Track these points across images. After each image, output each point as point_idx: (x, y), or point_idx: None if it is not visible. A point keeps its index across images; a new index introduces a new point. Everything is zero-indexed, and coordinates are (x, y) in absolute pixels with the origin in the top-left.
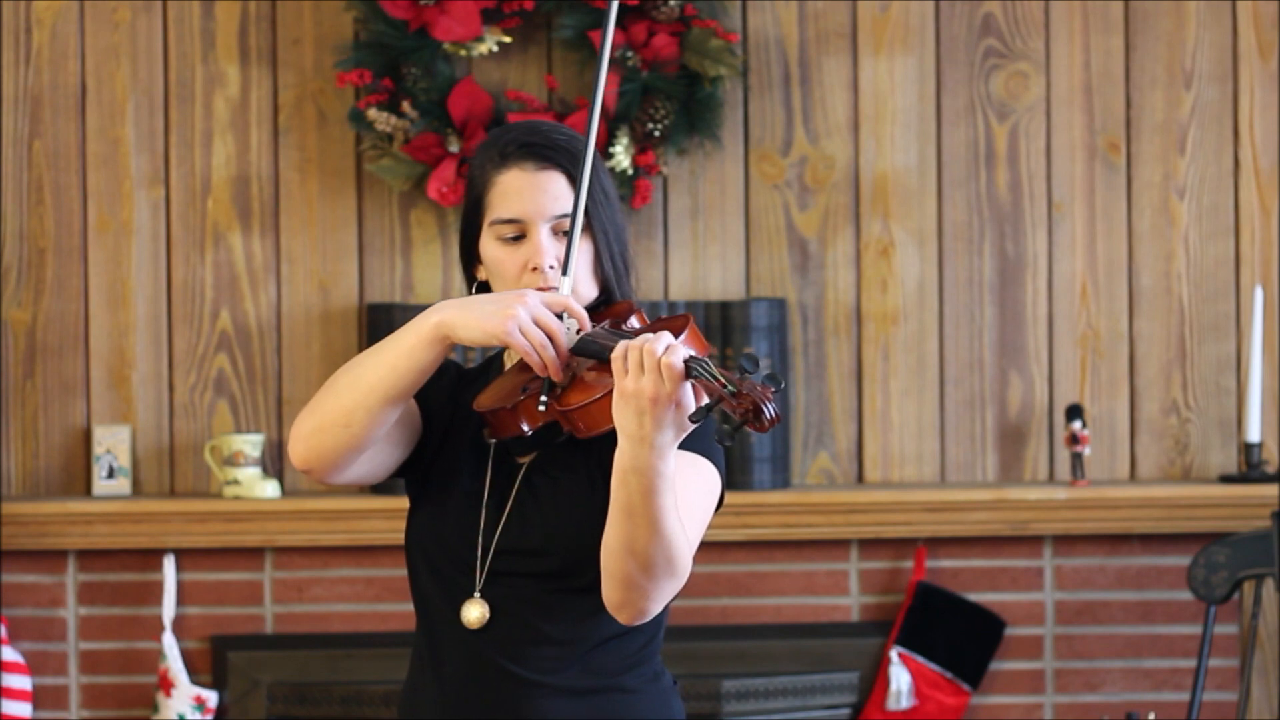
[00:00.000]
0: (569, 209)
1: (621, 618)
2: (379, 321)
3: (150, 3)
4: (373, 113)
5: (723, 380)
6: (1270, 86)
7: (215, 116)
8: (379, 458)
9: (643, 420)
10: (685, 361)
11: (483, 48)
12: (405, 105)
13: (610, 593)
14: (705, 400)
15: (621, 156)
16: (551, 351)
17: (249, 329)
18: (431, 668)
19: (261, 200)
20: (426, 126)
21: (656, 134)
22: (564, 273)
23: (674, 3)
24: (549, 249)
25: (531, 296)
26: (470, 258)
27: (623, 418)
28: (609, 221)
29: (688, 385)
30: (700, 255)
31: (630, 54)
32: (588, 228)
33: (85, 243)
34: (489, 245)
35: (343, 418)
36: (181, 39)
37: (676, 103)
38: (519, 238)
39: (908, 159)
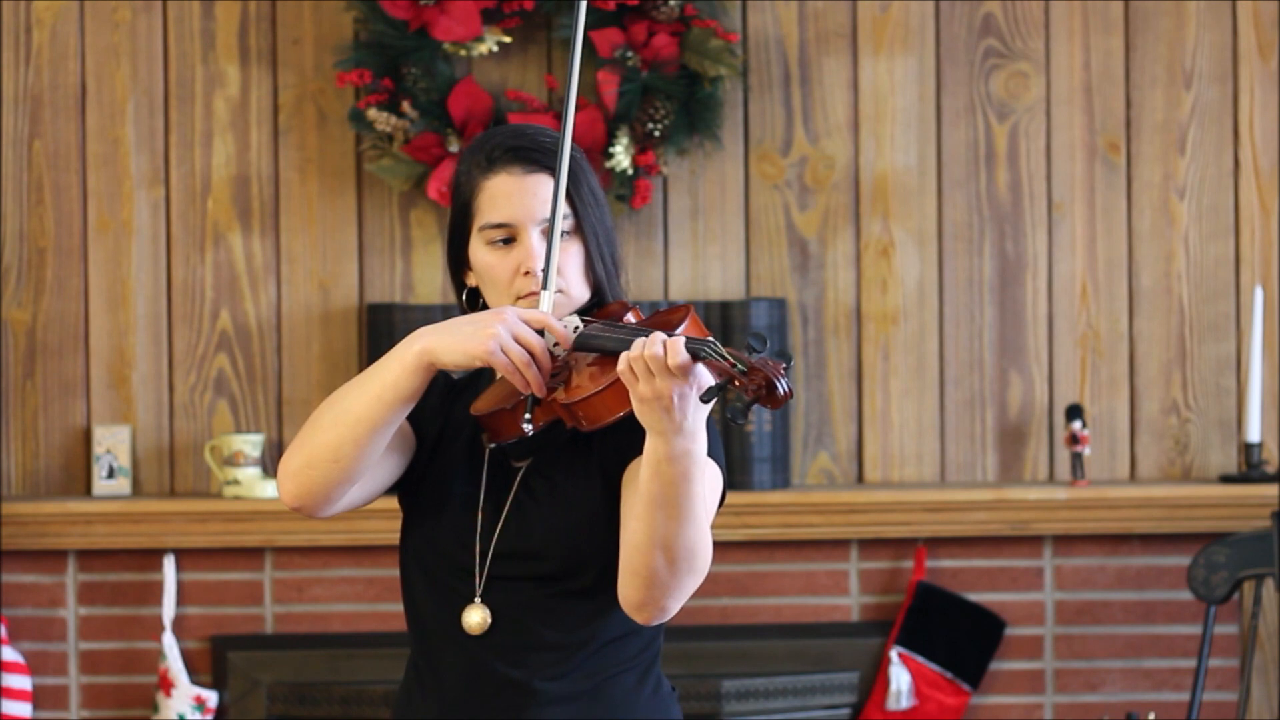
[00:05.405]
0: (560, 210)
1: (640, 617)
2: (379, 321)
3: (150, 3)
4: (373, 113)
5: (731, 360)
6: (1270, 86)
7: (215, 116)
8: (371, 484)
9: (670, 415)
10: (688, 347)
11: (483, 48)
12: (405, 105)
13: (631, 592)
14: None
15: (621, 156)
16: (534, 369)
17: (249, 329)
18: (430, 679)
19: (261, 200)
20: (426, 126)
21: (656, 134)
22: (544, 286)
23: (674, 3)
24: (540, 252)
25: (510, 314)
26: (459, 264)
27: (649, 420)
28: (598, 223)
29: (700, 368)
30: (700, 255)
31: (630, 54)
32: (578, 230)
33: (85, 243)
34: (479, 251)
35: (331, 452)
36: (181, 39)
37: (676, 103)
38: (509, 241)
39: (908, 159)
